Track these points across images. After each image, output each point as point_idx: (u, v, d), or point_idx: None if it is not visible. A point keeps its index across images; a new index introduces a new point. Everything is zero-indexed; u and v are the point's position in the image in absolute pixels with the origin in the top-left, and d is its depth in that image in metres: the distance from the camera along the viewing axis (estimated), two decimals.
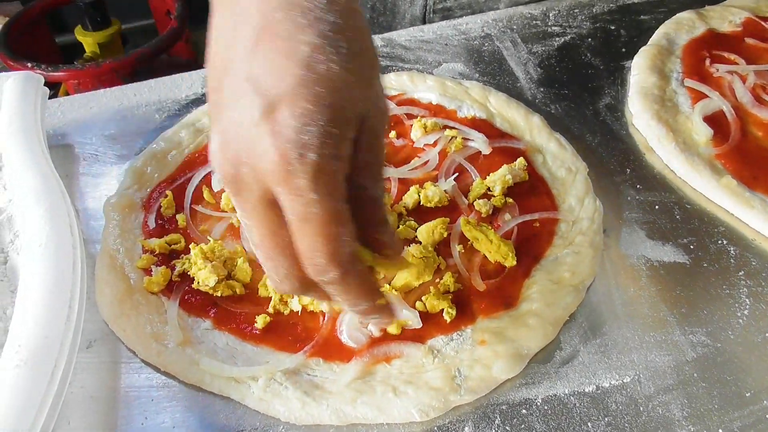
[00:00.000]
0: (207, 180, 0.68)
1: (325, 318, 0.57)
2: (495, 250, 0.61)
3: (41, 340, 0.47)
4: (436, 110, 0.78)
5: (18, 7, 2.18)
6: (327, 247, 0.40)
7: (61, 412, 0.50)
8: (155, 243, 0.61)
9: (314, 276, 0.42)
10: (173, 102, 0.82)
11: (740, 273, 0.63)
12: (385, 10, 1.14)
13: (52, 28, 1.81)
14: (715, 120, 0.77)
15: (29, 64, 1.47)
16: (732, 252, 0.65)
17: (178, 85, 0.85)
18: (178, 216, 0.65)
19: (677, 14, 0.93)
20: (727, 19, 0.92)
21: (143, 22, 2.27)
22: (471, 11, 1.03)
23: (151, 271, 0.59)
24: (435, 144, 0.73)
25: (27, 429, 0.45)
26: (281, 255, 0.41)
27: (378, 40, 0.92)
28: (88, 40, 1.72)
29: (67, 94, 1.60)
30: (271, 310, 0.57)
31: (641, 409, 0.53)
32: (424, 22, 1.08)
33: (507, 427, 0.52)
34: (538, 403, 0.54)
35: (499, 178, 0.68)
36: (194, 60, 2.16)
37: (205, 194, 0.67)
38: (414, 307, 0.58)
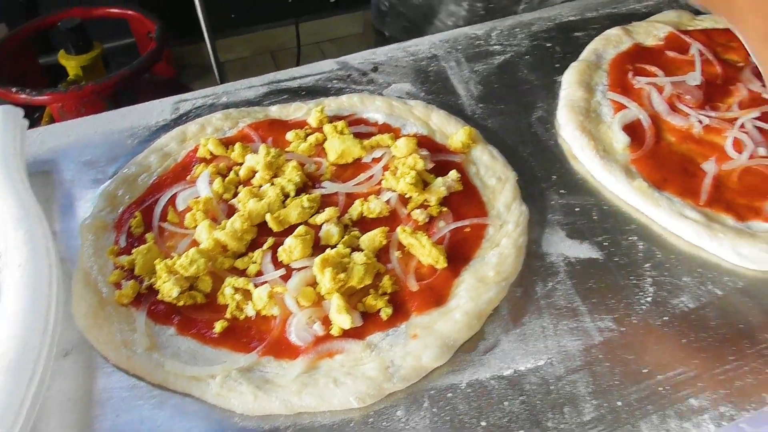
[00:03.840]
0: (172, 201, 0.76)
1: (277, 321, 0.65)
2: (427, 254, 0.69)
3: (21, 349, 0.54)
4: (383, 129, 0.86)
5: (3, 29, 2.26)
6: None
7: (41, 414, 0.57)
8: (125, 259, 0.69)
9: None
10: (144, 128, 0.90)
11: (646, 265, 0.71)
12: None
13: (37, 49, 1.89)
14: (633, 128, 0.85)
15: (14, 89, 1.54)
16: (641, 247, 0.73)
17: (150, 111, 0.93)
18: (146, 235, 0.72)
19: (606, 31, 1.01)
20: (651, 34, 1.01)
21: (125, 41, 2.35)
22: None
23: (122, 285, 0.67)
24: (380, 159, 0.81)
25: (8, 428, 0.52)
26: None
27: (333, 63, 1.00)
28: (72, 64, 1.80)
29: (51, 115, 1.68)
30: (228, 315, 0.65)
31: (552, 387, 0.61)
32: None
33: (434, 409, 0.60)
34: (462, 387, 0.62)
35: (435, 190, 0.75)
36: (175, 77, 2.24)
37: (170, 215, 0.74)
38: (356, 307, 0.66)
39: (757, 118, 0.85)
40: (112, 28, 2.10)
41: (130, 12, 1.90)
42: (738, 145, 0.82)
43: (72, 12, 1.79)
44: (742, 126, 0.84)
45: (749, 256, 0.71)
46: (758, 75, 0.92)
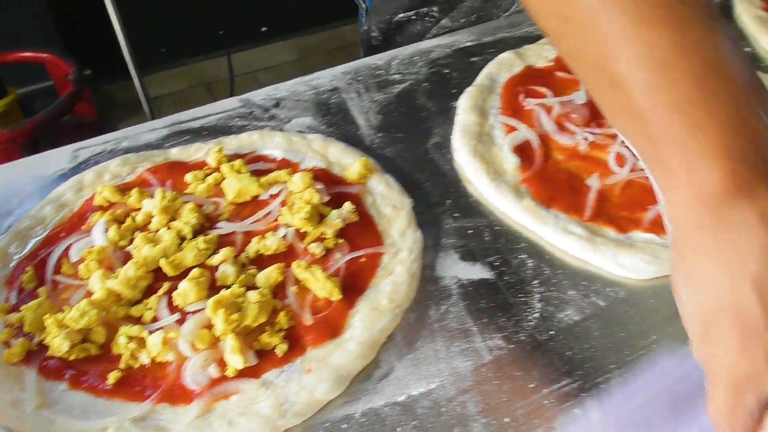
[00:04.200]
0: (67, 252, 0.76)
1: (172, 366, 0.65)
2: (322, 287, 0.71)
3: None
4: (281, 164, 0.87)
5: None
6: None
7: None
8: (14, 317, 0.68)
9: None
10: (41, 179, 0.89)
11: (535, 282, 0.74)
12: None
13: None
14: (524, 149, 0.89)
15: None
16: (530, 264, 0.76)
17: (47, 162, 0.92)
18: (39, 289, 0.72)
19: (499, 55, 1.05)
20: (542, 56, 1.05)
21: (45, 84, 2.32)
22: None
23: (11, 343, 0.66)
24: (277, 196, 0.82)
25: None
26: None
27: (236, 101, 1.01)
28: None
29: None
30: (122, 365, 0.65)
31: (443, 410, 0.63)
32: None
33: None
34: (357, 417, 0.63)
35: (330, 223, 0.77)
36: (98, 118, 2.22)
37: (64, 266, 0.74)
38: (252, 346, 0.67)
39: None
40: (31, 71, 2.08)
41: (44, 55, 1.88)
42: (620, 160, 0.86)
43: None
44: (624, 141, 0.88)
45: (630, 266, 0.75)
46: None
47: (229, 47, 3.35)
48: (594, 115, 0.93)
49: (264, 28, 3.51)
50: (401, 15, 1.20)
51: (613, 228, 0.79)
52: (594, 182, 0.84)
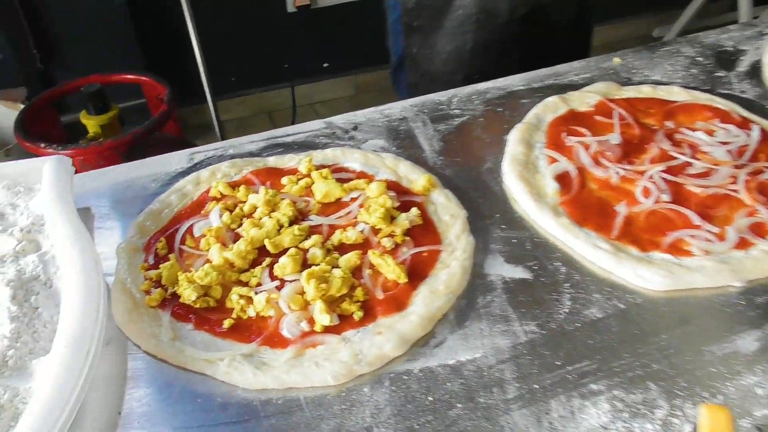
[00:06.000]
0: (189, 230, 0.95)
1: (272, 320, 0.83)
2: (392, 272, 0.88)
3: (80, 332, 0.72)
4: (359, 175, 1.06)
5: (23, 91, 2.49)
6: None
7: (91, 384, 0.75)
8: (153, 273, 0.87)
9: None
10: (165, 174, 1.09)
11: (566, 284, 0.90)
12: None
13: (58, 109, 2.12)
14: (563, 177, 1.05)
15: (42, 145, 1.75)
16: (562, 270, 0.92)
17: (169, 161, 1.12)
18: (170, 255, 0.91)
19: (546, 98, 1.22)
20: (584, 102, 1.22)
21: (137, 101, 2.59)
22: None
23: (151, 292, 0.85)
24: (356, 199, 1.00)
25: (69, 393, 0.69)
26: None
27: (321, 123, 1.21)
28: (92, 123, 2.02)
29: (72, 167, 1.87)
30: (234, 315, 0.83)
31: (485, 373, 0.79)
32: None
33: (393, 387, 0.77)
34: (415, 372, 0.79)
35: (399, 223, 0.95)
36: (181, 136, 2.46)
37: (188, 240, 0.93)
38: (335, 311, 0.84)
39: (664, 171, 1.05)
40: (126, 90, 2.34)
41: (143, 78, 2.14)
42: (646, 192, 1.02)
43: (92, 78, 2.03)
44: (651, 177, 1.04)
45: (647, 278, 0.89)
46: (669, 136, 1.13)
47: (292, 80, 3.60)
48: (626, 154, 1.10)
49: (326, 64, 3.76)
50: None
51: (636, 247, 0.94)
52: (622, 208, 0.99)
